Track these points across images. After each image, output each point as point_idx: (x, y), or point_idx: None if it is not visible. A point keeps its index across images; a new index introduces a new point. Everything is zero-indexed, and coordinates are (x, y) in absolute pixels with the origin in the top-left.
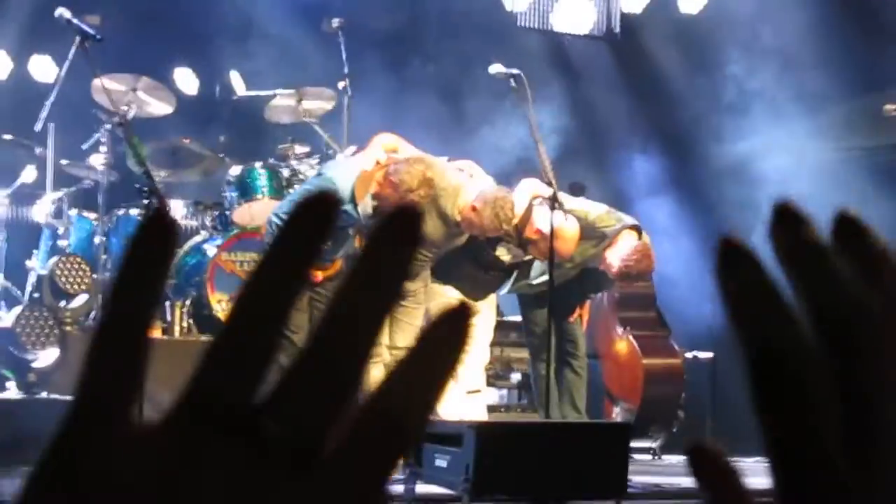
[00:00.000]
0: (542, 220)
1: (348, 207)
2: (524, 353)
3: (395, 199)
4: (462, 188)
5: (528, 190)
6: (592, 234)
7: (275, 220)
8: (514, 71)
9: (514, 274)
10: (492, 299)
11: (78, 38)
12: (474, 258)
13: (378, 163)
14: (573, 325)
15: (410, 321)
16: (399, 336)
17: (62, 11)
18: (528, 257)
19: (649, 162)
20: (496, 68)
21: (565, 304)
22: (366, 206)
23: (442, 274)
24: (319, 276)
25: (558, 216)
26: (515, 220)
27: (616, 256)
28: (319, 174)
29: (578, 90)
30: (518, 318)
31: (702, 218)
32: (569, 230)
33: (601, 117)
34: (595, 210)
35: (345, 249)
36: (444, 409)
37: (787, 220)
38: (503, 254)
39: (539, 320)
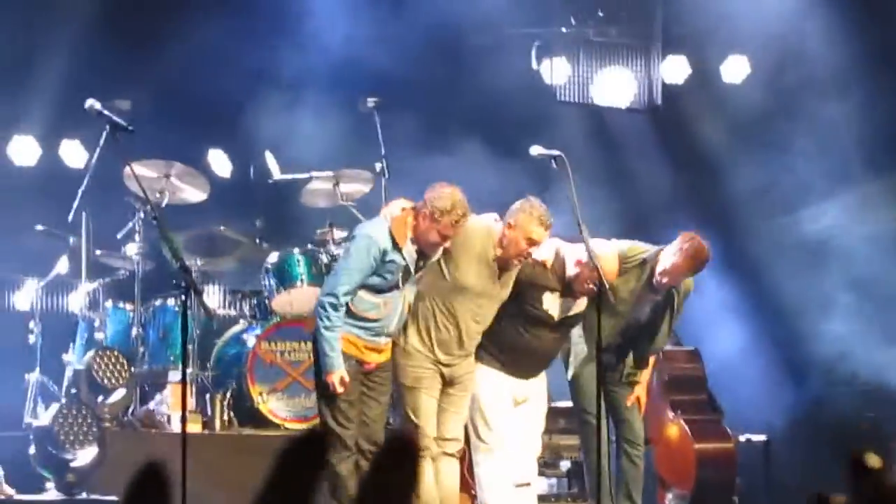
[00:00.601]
0: (577, 252)
1: (394, 256)
2: (573, 440)
3: (434, 229)
4: (490, 225)
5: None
6: (629, 267)
7: (326, 301)
8: (555, 152)
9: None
10: (543, 387)
11: (108, 128)
12: (521, 315)
13: (403, 209)
14: (630, 410)
15: (457, 410)
16: (446, 427)
17: (92, 103)
18: (574, 310)
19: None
20: (537, 150)
21: (615, 369)
22: (409, 250)
23: (487, 355)
24: (372, 364)
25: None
26: (551, 261)
27: (666, 260)
28: (353, 237)
29: (620, 164)
30: (568, 404)
31: (755, 297)
32: (606, 250)
33: (645, 191)
34: (623, 244)
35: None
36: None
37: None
38: (550, 307)
39: (593, 406)
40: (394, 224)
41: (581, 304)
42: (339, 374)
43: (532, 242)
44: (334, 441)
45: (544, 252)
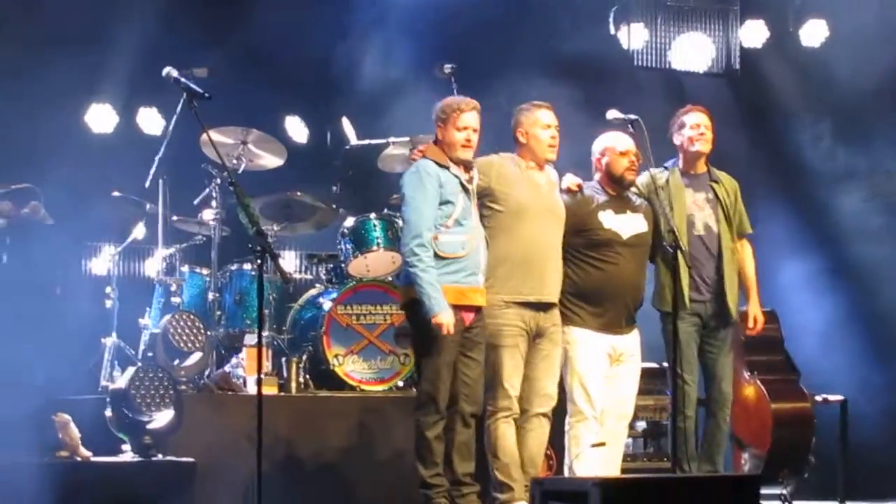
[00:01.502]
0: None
1: (445, 175)
2: (650, 401)
3: (451, 129)
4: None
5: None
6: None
7: (413, 244)
8: (632, 116)
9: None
10: (637, 344)
11: (185, 96)
12: (591, 247)
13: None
14: (724, 369)
15: (549, 365)
16: (536, 385)
17: (169, 71)
18: (640, 228)
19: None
20: (613, 114)
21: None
22: (455, 171)
23: (575, 314)
24: (472, 314)
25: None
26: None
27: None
28: (401, 188)
29: None
30: (644, 365)
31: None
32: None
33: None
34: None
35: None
36: (578, 462)
37: None
38: (613, 225)
39: (690, 370)
40: (428, 152)
41: (643, 222)
42: (447, 315)
43: (624, 154)
44: (426, 404)
45: (567, 180)
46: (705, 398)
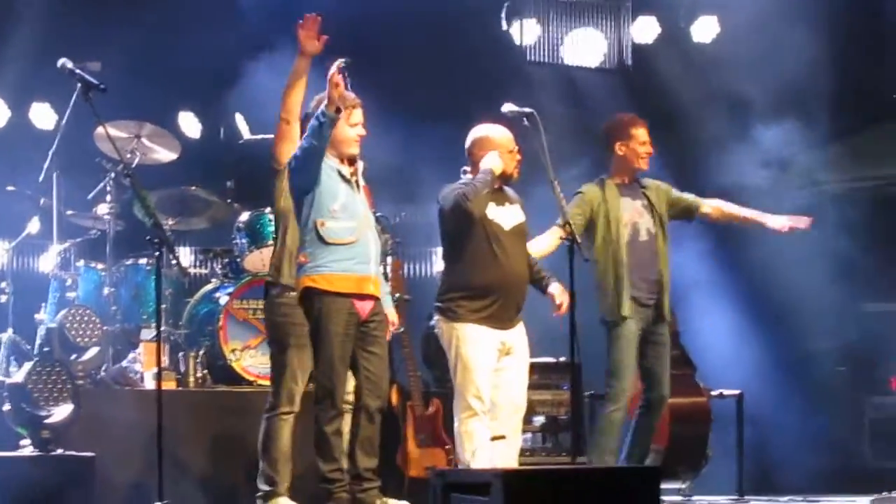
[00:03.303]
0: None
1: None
2: (547, 396)
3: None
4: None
5: None
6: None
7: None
8: (527, 110)
9: None
10: (524, 339)
11: (80, 87)
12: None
13: None
14: (663, 365)
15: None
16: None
17: (65, 62)
18: (519, 219)
19: None
20: (509, 107)
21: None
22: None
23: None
24: (367, 307)
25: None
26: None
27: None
28: None
29: (590, 123)
30: (540, 360)
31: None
32: None
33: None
34: None
35: None
36: (474, 459)
37: None
38: (496, 216)
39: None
40: None
41: (518, 212)
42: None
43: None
44: (323, 399)
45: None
46: (645, 399)
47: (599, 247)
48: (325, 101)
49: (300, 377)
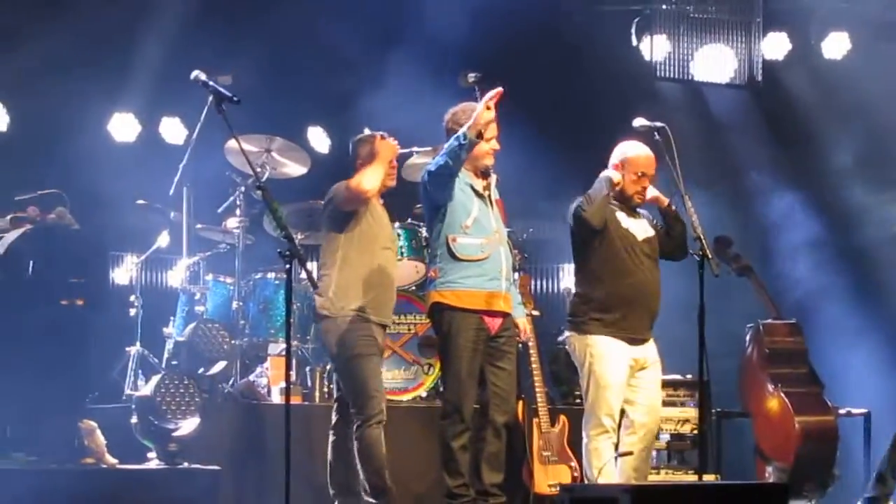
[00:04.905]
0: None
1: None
2: (673, 413)
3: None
4: None
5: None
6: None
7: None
8: (658, 124)
9: None
10: (656, 354)
11: (212, 100)
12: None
13: None
14: None
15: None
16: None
17: (197, 74)
18: (649, 232)
19: (796, 213)
20: (640, 122)
21: None
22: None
23: (595, 321)
24: (497, 322)
25: None
26: None
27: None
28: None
29: (721, 140)
30: (668, 377)
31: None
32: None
33: (745, 168)
34: None
35: None
36: (601, 476)
37: None
38: (629, 225)
39: None
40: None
41: (648, 227)
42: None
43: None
44: (451, 414)
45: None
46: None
47: None
48: (470, 124)
49: (379, 383)
